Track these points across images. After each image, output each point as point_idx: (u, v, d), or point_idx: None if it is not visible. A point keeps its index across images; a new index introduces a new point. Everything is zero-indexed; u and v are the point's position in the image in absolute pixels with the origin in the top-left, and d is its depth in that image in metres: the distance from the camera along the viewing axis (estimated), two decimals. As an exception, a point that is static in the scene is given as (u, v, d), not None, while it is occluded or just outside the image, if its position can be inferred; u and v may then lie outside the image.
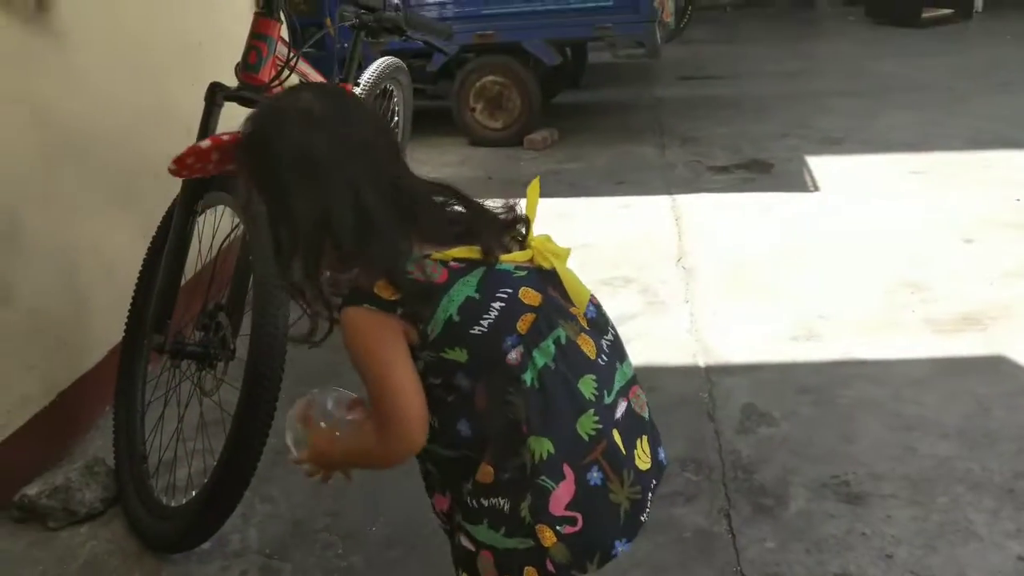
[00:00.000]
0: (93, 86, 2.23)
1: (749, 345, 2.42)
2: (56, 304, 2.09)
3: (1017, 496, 1.72)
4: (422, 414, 1.00)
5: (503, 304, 1.00)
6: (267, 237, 1.04)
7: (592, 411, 1.03)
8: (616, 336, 1.14)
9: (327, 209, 0.97)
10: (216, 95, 1.73)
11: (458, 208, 1.07)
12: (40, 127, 2.06)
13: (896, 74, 5.82)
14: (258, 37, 1.77)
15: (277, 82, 1.80)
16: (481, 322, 0.99)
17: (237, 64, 1.78)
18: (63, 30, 2.15)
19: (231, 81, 1.80)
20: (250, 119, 1.03)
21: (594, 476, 1.03)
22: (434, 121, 4.86)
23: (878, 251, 2.97)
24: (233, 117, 1.53)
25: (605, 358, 1.08)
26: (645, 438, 1.11)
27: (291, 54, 1.81)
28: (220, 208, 1.81)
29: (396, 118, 3.12)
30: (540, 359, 1.01)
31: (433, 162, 4.49)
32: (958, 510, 1.69)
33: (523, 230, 1.08)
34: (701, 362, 2.37)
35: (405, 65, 2.96)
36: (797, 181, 3.78)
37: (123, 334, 1.97)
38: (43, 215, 2.04)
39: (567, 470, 1.01)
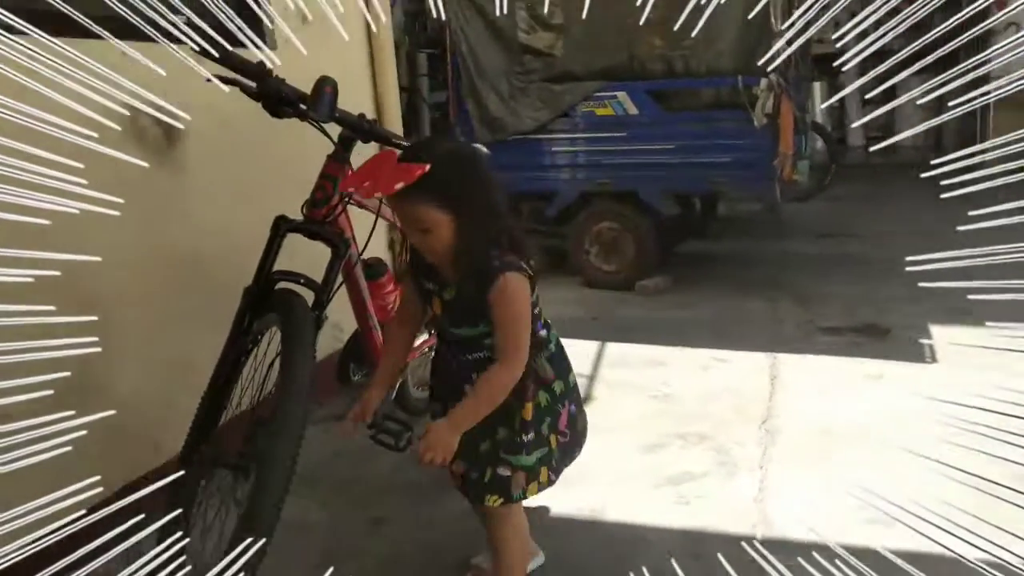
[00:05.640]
0: (203, 214, 2.51)
1: (818, 524, 2.23)
2: (140, 405, 2.28)
3: None
4: None
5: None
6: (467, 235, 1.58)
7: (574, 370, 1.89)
8: None
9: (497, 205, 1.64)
10: (280, 227, 1.90)
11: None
12: (152, 245, 2.33)
13: (1056, 244, 5.40)
14: (326, 177, 1.95)
15: (332, 216, 1.96)
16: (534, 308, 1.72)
17: (306, 200, 1.95)
18: (184, 163, 2.45)
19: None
20: (430, 158, 1.53)
21: (572, 409, 1.85)
22: (550, 260, 4.99)
23: (991, 443, 2.68)
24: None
25: None
26: None
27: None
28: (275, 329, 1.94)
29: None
30: (553, 335, 1.83)
31: (543, 300, 4.56)
32: None
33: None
34: (759, 534, 2.21)
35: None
36: (913, 350, 3.53)
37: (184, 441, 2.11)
38: (137, 322, 2.27)
39: (566, 403, 1.82)
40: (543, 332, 1.79)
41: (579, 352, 3.78)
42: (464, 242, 1.58)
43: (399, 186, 1.47)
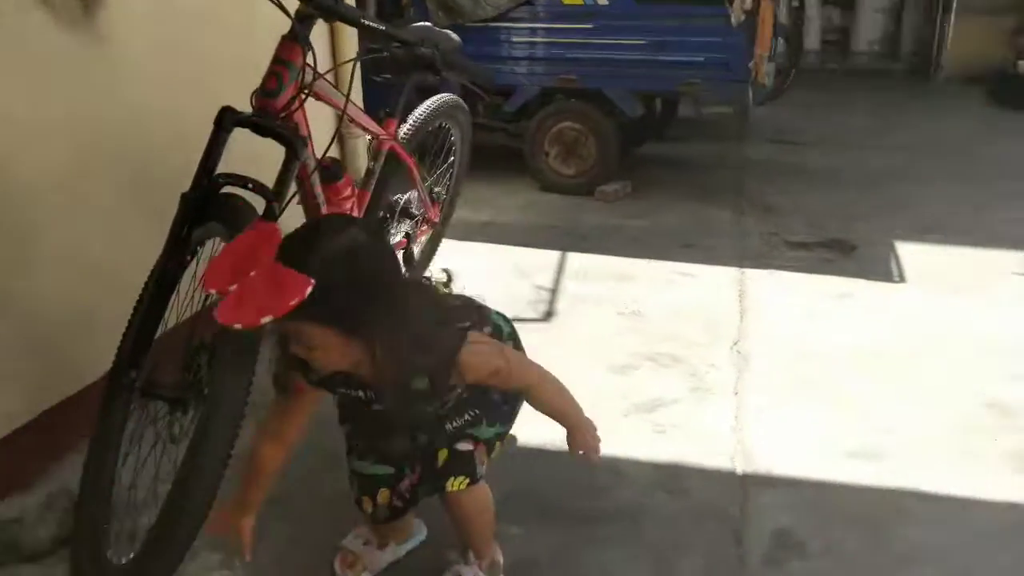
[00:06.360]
0: (134, 96, 2.15)
1: (797, 455, 2.14)
2: (55, 317, 1.99)
3: None
4: None
5: None
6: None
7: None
8: None
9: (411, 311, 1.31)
10: (225, 119, 1.60)
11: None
12: (73, 133, 1.99)
13: (1014, 161, 5.38)
14: (280, 63, 1.64)
15: (291, 109, 1.66)
16: None
17: (255, 89, 1.65)
18: (108, 36, 2.08)
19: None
20: (315, 266, 1.18)
21: None
22: (505, 161, 4.71)
23: (964, 361, 2.63)
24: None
25: None
26: None
27: (310, 79, 1.66)
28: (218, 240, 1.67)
29: (452, 157, 2.97)
30: (505, 320, 1.66)
31: (497, 204, 4.32)
32: None
33: None
34: (739, 468, 2.10)
35: (464, 103, 2.81)
36: (882, 269, 3.45)
37: (112, 364, 1.84)
38: (57, 220, 1.96)
39: None
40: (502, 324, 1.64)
41: (539, 262, 3.59)
42: (377, 366, 1.30)
43: (294, 303, 1.14)
